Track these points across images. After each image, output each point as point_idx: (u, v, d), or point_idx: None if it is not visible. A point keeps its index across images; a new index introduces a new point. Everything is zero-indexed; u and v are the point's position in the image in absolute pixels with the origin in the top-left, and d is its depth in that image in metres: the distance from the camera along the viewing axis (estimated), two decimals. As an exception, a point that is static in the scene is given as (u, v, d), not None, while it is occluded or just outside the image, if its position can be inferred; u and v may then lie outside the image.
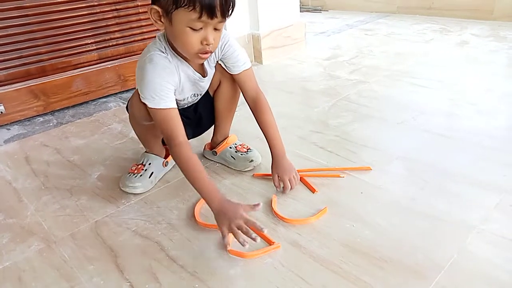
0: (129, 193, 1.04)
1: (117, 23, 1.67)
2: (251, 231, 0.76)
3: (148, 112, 0.89)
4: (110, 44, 1.68)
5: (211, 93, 1.09)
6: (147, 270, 0.80)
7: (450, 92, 1.53)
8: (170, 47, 0.90)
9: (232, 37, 0.96)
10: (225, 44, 0.95)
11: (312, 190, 0.99)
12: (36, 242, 0.90)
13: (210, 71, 1.00)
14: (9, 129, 1.50)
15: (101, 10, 1.61)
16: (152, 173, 1.08)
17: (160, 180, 1.10)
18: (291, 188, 0.98)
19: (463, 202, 0.92)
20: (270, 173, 1.01)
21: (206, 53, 0.85)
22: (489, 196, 0.93)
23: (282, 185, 0.99)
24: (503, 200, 0.91)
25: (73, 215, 0.98)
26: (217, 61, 1.00)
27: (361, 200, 0.96)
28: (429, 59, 1.95)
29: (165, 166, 1.12)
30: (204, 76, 0.98)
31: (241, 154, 1.12)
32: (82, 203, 1.03)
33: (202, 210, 0.95)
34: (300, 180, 1.02)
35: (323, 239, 0.84)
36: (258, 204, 0.80)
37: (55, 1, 1.50)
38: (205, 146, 1.22)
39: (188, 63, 0.93)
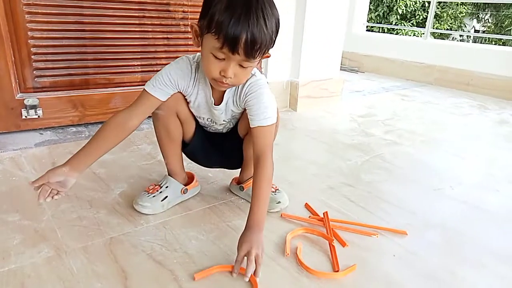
0: (138, 211, 1.01)
1: (165, 51, 1.73)
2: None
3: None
4: (156, 69, 1.73)
5: (241, 135, 1.06)
6: (156, 299, 0.74)
7: (489, 167, 1.47)
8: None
9: (265, 90, 0.91)
10: (250, 94, 0.91)
11: (342, 244, 0.92)
12: (46, 248, 0.86)
13: (232, 106, 0.96)
14: (42, 134, 1.52)
15: (154, 36, 1.68)
16: (166, 197, 1.04)
17: (182, 207, 1.06)
18: (248, 265, 0.78)
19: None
20: (298, 216, 0.94)
21: (223, 83, 0.84)
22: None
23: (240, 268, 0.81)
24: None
25: (89, 227, 0.94)
26: (244, 105, 0.95)
27: (393, 263, 0.88)
28: (466, 132, 1.91)
29: (184, 193, 1.08)
30: (217, 104, 0.96)
31: (269, 194, 1.07)
32: (100, 217, 0.99)
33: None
34: (330, 231, 0.96)
35: (350, 298, 0.77)
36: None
37: (112, 21, 1.57)
38: (232, 180, 1.18)
39: (210, 85, 0.93)
